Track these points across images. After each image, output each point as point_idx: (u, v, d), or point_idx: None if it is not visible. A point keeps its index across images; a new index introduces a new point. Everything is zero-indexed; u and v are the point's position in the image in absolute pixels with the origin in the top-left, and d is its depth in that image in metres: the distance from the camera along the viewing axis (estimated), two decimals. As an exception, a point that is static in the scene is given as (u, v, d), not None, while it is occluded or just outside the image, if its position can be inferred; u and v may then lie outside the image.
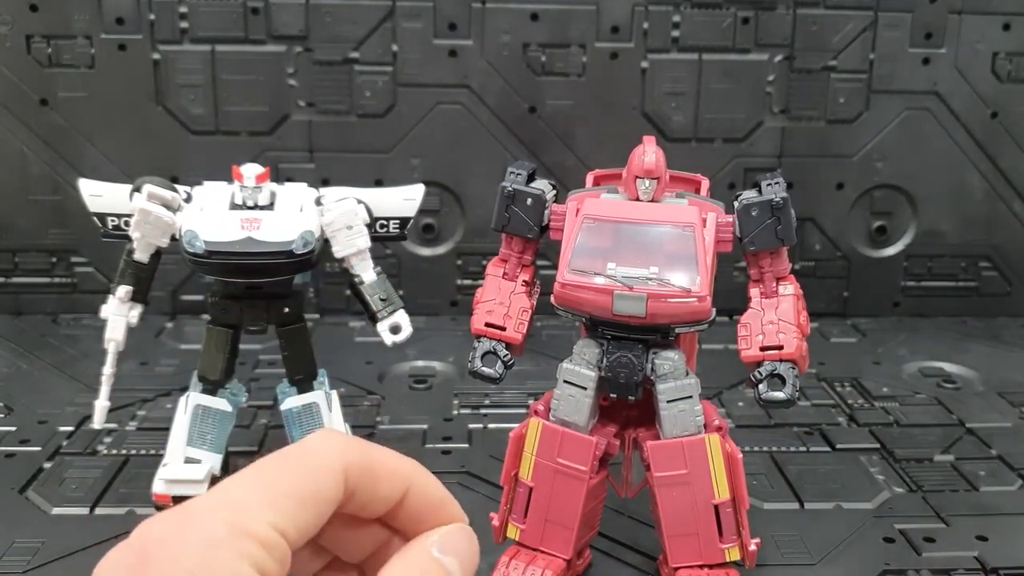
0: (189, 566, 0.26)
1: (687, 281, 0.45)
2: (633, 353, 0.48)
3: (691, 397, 0.48)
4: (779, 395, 0.48)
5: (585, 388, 0.49)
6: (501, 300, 0.51)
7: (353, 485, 0.30)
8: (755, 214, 0.48)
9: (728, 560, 0.49)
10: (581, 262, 0.47)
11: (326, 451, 0.30)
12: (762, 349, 0.48)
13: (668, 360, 0.48)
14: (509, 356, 0.51)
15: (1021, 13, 0.88)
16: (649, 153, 0.47)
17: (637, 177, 0.48)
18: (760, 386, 0.48)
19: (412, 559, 0.32)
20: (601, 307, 0.46)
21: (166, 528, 0.28)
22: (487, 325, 0.51)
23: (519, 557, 0.50)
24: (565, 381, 0.49)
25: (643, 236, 0.47)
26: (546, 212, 0.50)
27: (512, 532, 0.51)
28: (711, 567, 0.49)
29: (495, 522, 0.51)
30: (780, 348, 0.48)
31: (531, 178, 0.51)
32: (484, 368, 0.50)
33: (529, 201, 0.50)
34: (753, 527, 0.50)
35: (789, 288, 0.49)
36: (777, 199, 0.48)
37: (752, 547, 0.49)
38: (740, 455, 0.49)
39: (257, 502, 0.29)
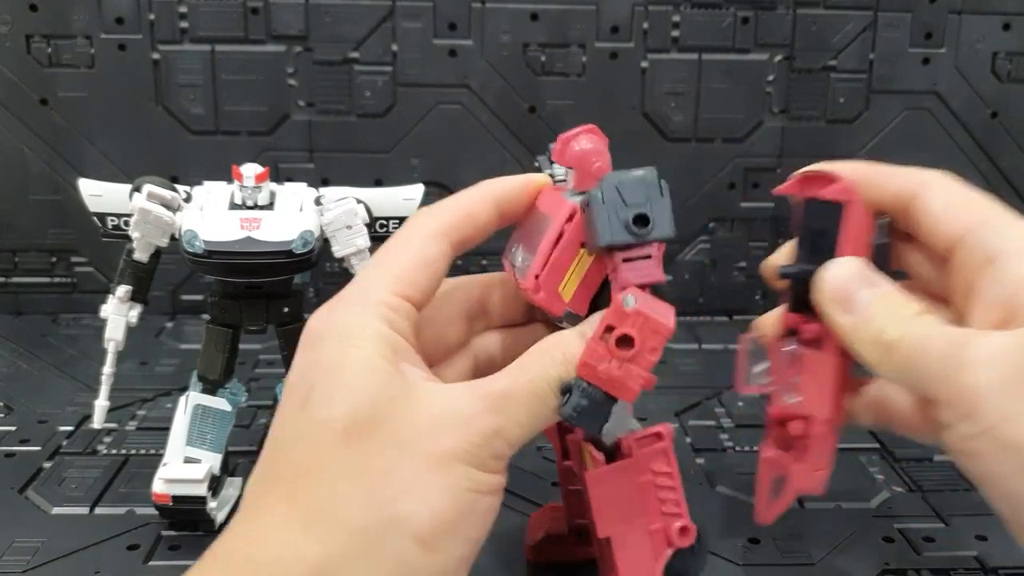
0: (338, 328, 0.39)
1: (532, 270, 0.42)
2: None
3: None
4: None
5: None
6: None
7: (456, 242, 0.41)
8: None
9: None
10: (509, 242, 0.46)
11: (426, 222, 0.41)
12: None
13: None
14: None
15: (1021, 13, 0.88)
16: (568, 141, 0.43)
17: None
18: None
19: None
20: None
21: (323, 311, 0.41)
22: None
23: None
24: None
25: (536, 224, 0.44)
26: None
27: None
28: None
29: None
30: None
31: None
32: None
33: None
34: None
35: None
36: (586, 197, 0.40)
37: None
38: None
39: (381, 278, 0.40)
